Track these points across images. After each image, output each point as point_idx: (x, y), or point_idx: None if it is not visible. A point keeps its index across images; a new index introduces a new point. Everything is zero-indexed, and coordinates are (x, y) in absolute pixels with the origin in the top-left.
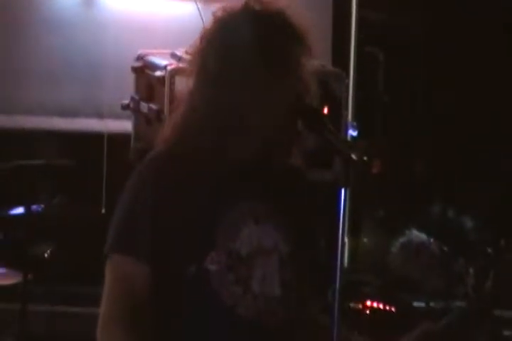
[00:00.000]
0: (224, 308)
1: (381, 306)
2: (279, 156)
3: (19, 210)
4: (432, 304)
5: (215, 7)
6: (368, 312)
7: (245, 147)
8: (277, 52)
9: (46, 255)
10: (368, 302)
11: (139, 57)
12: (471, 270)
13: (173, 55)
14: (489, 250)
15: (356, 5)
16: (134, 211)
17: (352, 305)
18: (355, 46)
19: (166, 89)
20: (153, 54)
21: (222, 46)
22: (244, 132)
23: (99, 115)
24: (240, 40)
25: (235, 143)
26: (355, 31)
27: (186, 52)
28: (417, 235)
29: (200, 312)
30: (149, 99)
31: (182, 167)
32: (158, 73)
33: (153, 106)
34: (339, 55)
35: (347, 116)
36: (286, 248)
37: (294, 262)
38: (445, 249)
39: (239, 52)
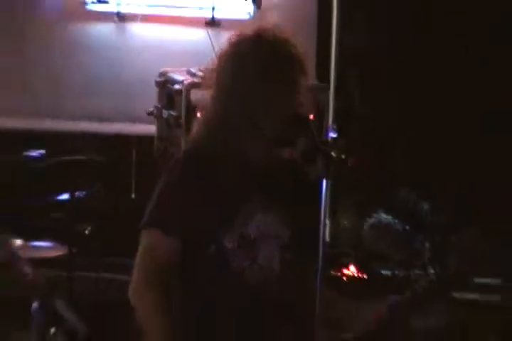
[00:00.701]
0: (234, 276)
1: (355, 274)
2: (282, 155)
3: (65, 196)
4: (396, 272)
5: (221, 34)
6: (344, 278)
7: (259, 149)
8: (279, 73)
9: (87, 232)
10: (345, 271)
11: (161, 74)
12: (427, 244)
13: (189, 72)
14: (443, 229)
15: (336, 30)
16: (167, 197)
17: (332, 272)
18: (335, 64)
19: (183, 99)
20: (172, 71)
21: (235, 66)
22: (255, 135)
23: (130, 120)
24: (250, 62)
25: (249, 144)
26: (336, 53)
27: (200, 70)
28: (384, 217)
29: (216, 278)
30: (169, 107)
31: (207, 164)
32: (176, 86)
33: (173, 113)
34: (322, 72)
35: (328, 121)
36: (285, 234)
37: (291, 245)
38: (406, 227)
39: (249, 71)
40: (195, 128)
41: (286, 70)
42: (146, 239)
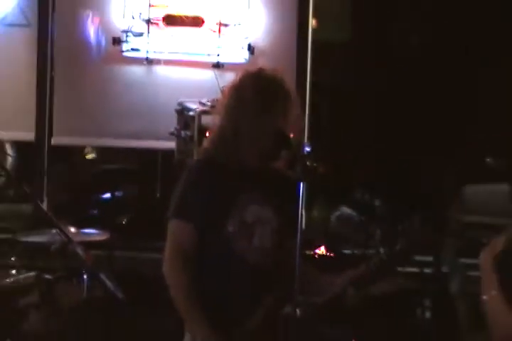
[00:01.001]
0: (237, 255)
1: (325, 253)
2: (271, 163)
3: (107, 195)
4: (355, 251)
5: (224, 74)
6: (316, 256)
7: (252, 157)
8: (272, 103)
9: (124, 221)
10: (317, 250)
11: (179, 104)
12: (378, 231)
13: (200, 102)
14: (389, 219)
15: (310, 71)
16: (186, 193)
17: (307, 252)
18: (309, 97)
19: (196, 123)
20: (187, 102)
21: (238, 96)
22: (250, 149)
23: (156, 138)
24: (250, 94)
25: (245, 154)
26: (309, 88)
27: (209, 101)
28: (346, 210)
29: (222, 258)
30: (186, 129)
31: (214, 169)
32: (191, 113)
33: (188, 133)
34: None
35: (304, 139)
36: (274, 220)
37: (280, 228)
38: (362, 218)
39: (248, 101)
40: (205, 143)
41: (280, 105)
42: (172, 227)
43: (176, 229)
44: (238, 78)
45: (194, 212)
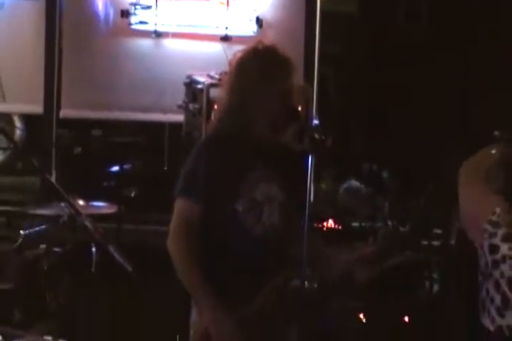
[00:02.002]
0: (246, 231)
1: (333, 225)
2: (279, 136)
3: (116, 168)
4: (363, 224)
5: (232, 47)
6: (324, 229)
7: (261, 133)
8: (274, 75)
9: (132, 194)
10: (325, 223)
11: (188, 77)
12: (386, 203)
13: (208, 75)
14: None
15: (319, 43)
16: (193, 171)
17: (315, 225)
18: (317, 68)
19: (204, 95)
20: (196, 75)
21: (241, 69)
22: (258, 122)
23: (164, 111)
24: (253, 66)
25: (253, 128)
26: (318, 60)
27: (217, 74)
28: (354, 182)
29: (231, 234)
30: (194, 101)
31: (224, 144)
32: (199, 86)
33: (196, 106)
34: (308, 75)
35: (312, 111)
36: (283, 197)
37: (287, 204)
38: (370, 191)
39: (251, 72)
40: (213, 117)
41: (280, 73)
42: (178, 204)
43: (182, 208)
44: (242, 52)
45: (201, 190)
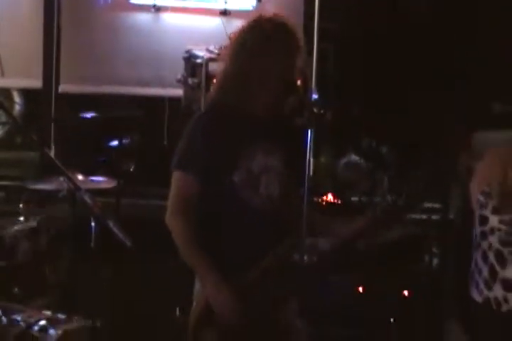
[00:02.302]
0: (243, 202)
1: (332, 200)
2: (278, 109)
3: (115, 142)
4: (362, 198)
5: (231, 21)
6: (324, 203)
7: (260, 105)
8: (273, 46)
9: (131, 169)
10: (324, 198)
11: (187, 51)
12: (385, 178)
13: (207, 50)
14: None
15: (317, 17)
16: (190, 144)
17: (315, 199)
18: (317, 42)
19: (203, 70)
20: (195, 49)
21: (241, 42)
22: (257, 95)
23: (164, 85)
24: (252, 38)
25: (253, 101)
26: (317, 33)
27: (216, 48)
28: (353, 157)
29: (228, 206)
30: (193, 75)
31: (221, 117)
32: (198, 60)
33: (195, 80)
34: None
35: (311, 85)
36: (281, 168)
37: (287, 174)
38: (370, 165)
39: (250, 44)
40: (212, 91)
41: (283, 46)
42: (175, 178)
43: (179, 181)
44: (242, 25)
45: (198, 164)
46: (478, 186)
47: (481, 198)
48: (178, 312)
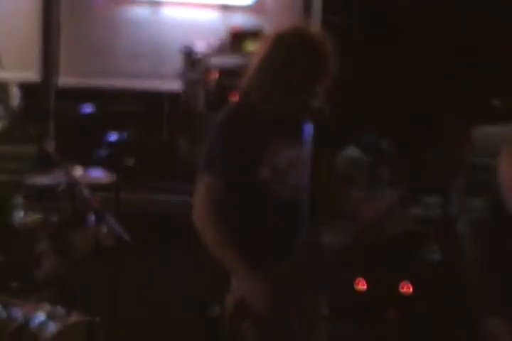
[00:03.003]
0: (272, 194)
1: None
2: (295, 112)
3: (114, 137)
4: (362, 192)
5: (230, 16)
6: None
7: (281, 107)
8: (301, 60)
9: (131, 163)
10: None
11: (186, 46)
12: (386, 172)
13: (207, 44)
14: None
15: (319, 10)
16: (215, 147)
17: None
18: None
19: (202, 64)
20: (194, 43)
21: (274, 52)
22: (277, 100)
23: (161, 78)
24: (279, 53)
25: (277, 104)
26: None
27: (215, 42)
28: (353, 149)
29: (258, 200)
30: (191, 70)
31: (243, 120)
32: (197, 54)
33: (194, 75)
34: None
35: None
36: (304, 159)
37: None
38: (370, 159)
39: (296, 62)
40: (239, 92)
41: (307, 59)
42: (201, 180)
43: (205, 183)
44: (281, 29)
45: (222, 166)
46: None
47: None
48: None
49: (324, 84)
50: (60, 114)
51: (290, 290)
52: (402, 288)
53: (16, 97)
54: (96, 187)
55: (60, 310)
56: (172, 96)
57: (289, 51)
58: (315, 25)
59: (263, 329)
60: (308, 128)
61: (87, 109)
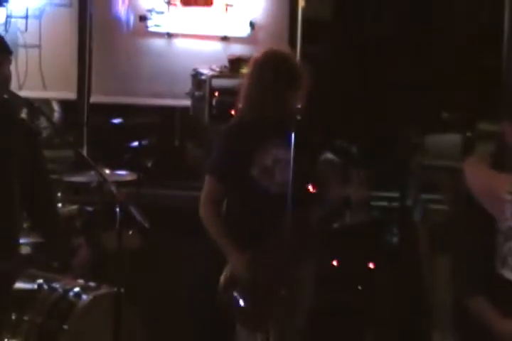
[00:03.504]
0: (263, 190)
1: (312, 190)
2: (284, 120)
3: (136, 144)
4: None
5: (230, 46)
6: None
7: (271, 117)
8: (285, 78)
9: (149, 164)
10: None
11: (194, 69)
12: (355, 172)
13: (211, 68)
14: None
15: (300, 42)
16: (217, 154)
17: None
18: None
19: (207, 85)
20: (200, 68)
21: (259, 71)
22: (271, 110)
23: (175, 97)
24: (271, 75)
25: (267, 116)
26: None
27: (217, 67)
28: (329, 155)
29: (251, 194)
30: (198, 90)
31: (244, 130)
32: (203, 77)
33: (200, 93)
34: None
35: None
36: (289, 158)
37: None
38: (340, 162)
39: (269, 80)
40: (236, 109)
41: (290, 77)
42: (206, 180)
43: (208, 183)
44: (259, 54)
45: (220, 168)
46: (498, 189)
47: (511, 197)
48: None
49: (302, 94)
50: (92, 125)
51: (276, 266)
52: (369, 264)
53: (56, 112)
54: (121, 184)
55: (92, 284)
56: (183, 111)
57: (273, 69)
58: (289, 50)
59: (250, 299)
60: (291, 136)
61: (114, 121)
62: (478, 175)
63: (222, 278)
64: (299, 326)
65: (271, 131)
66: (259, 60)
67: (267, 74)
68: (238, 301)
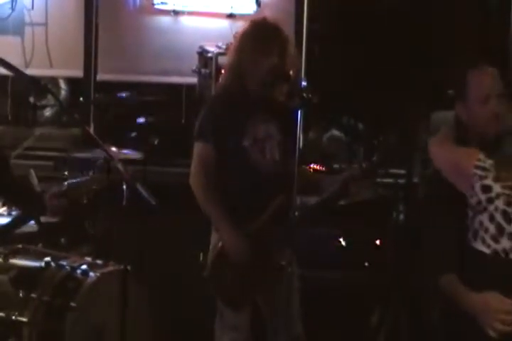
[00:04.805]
0: (252, 165)
1: (318, 167)
2: (274, 93)
3: (142, 121)
4: (342, 166)
5: (236, 23)
6: (311, 170)
7: (254, 87)
8: (267, 46)
9: (155, 143)
10: (311, 165)
11: (200, 47)
12: (361, 149)
13: (217, 46)
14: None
15: (306, 20)
16: (206, 120)
17: (303, 166)
18: (306, 41)
19: (213, 62)
20: (207, 45)
21: (242, 41)
22: (256, 82)
23: (181, 75)
24: (250, 39)
25: (250, 86)
26: (306, 34)
27: (223, 44)
28: (335, 132)
29: (239, 169)
30: (205, 67)
31: (229, 99)
32: (209, 54)
33: (207, 71)
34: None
35: (301, 75)
36: (279, 136)
37: (284, 143)
38: (348, 138)
39: (249, 44)
40: (221, 80)
41: (272, 44)
42: (196, 148)
43: (199, 150)
44: (244, 26)
45: (212, 134)
46: (465, 164)
47: (478, 172)
48: (201, 257)
49: (289, 66)
50: (99, 103)
51: (264, 244)
52: (375, 241)
53: (63, 90)
54: (127, 162)
55: (99, 261)
56: (189, 88)
57: (257, 38)
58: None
59: (239, 272)
60: (298, 113)
61: (121, 97)
62: (444, 153)
63: (211, 252)
64: (294, 306)
65: (260, 106)
66: (241, 30)
67: (245, 42)
68: (226, 279)
